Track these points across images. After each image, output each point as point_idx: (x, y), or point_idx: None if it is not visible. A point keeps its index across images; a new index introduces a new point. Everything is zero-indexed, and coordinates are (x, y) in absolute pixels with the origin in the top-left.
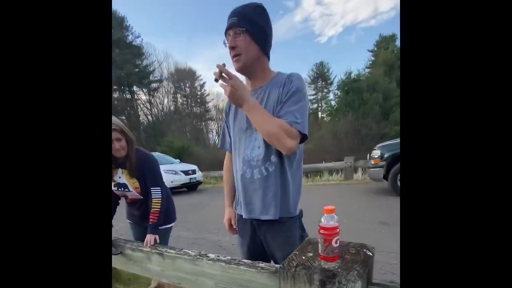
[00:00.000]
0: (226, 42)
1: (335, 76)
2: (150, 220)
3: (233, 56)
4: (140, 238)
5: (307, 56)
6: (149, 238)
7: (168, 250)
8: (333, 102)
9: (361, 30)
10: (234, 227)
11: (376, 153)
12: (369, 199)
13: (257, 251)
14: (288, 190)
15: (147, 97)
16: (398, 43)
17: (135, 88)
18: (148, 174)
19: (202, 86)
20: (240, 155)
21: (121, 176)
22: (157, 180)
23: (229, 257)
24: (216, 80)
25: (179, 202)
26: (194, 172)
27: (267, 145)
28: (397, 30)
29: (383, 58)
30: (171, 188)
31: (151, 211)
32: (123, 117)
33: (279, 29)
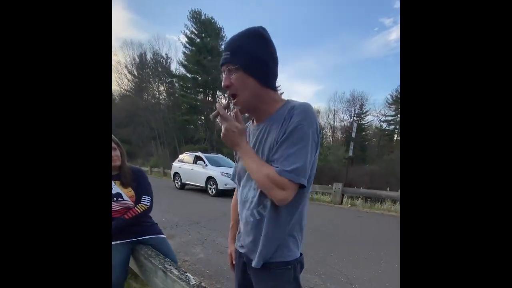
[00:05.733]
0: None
1: None
2: (126, 216)
3: (230, 95)
4: (126, 258)
5: (395, 75)
6: None
7: (173, 270)
8: None
9: None
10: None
11: None
12: None
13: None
14: (284, 235)
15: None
16: None
17: (218, 92)
18: (142, 184)
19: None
20: (240, 193)
21: (113, 187)
22: (149, 190)
23: None
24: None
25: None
26: None
27: None
28: None
29: None
30: (223, 190)
31: (132, 209)
32: (202, 117)
33: (371, 46)
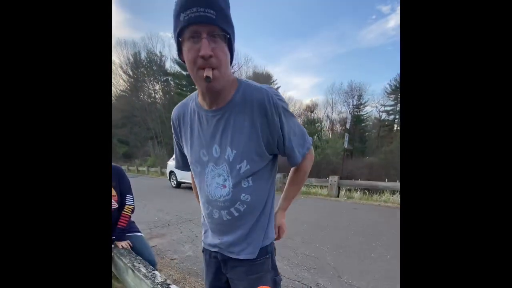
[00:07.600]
0: (172, 36)
1: None
2: (119, 224)
3: (203, 67)
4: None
5: (394, 64)
6: (120, 244)
7: (141, 268)
8: None
9: None
10: None
11: None
12: None
13: None
14: (265, 223)
15: None
16: None
17: None
18: (123, 182)
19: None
20: (202, 190)
21: None
22: (130, 188)
23: None
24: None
25: None
26: None
27: (235, 184)
28: None
29: None
30: None
31: (122, 214)
32: None
33: (369, 34)
